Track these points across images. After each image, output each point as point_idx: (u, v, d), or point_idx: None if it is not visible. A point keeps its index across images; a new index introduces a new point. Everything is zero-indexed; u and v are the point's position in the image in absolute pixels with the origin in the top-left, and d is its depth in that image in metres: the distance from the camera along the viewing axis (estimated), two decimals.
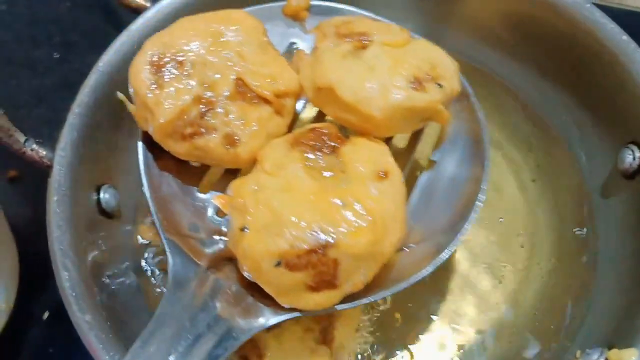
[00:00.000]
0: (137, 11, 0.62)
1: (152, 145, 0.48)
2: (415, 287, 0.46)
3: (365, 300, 0.45)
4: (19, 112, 0.51)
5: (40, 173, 0.54)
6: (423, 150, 0.54)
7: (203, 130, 0.46)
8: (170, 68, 0.47)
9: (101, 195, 0.56)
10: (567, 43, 0.61)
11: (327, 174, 0.45)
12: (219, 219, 0.50)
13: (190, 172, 0.51)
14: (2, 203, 0.61)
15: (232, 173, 0.51)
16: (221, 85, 0.47)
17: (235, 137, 0.47)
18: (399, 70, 0.46)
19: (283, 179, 0.44)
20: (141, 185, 0.48)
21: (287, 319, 0.44)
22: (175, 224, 0.48)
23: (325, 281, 0.42)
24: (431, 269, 0.46)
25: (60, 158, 0.52)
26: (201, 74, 0.47)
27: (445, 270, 0.61)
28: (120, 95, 0.50)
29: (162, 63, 0.47)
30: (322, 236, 0.41)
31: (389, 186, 0.45)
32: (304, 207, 0.43)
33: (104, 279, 0.54)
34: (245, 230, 0.43)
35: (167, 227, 0.47)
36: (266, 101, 0.48)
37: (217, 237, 0.49)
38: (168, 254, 0.45)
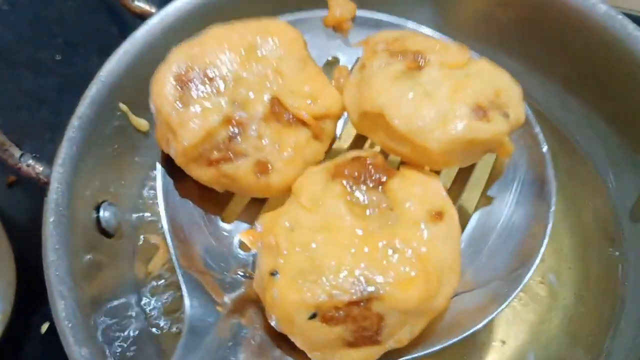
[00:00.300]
0: (142, 17, 0.58)
1: (171, 167, 0.43)
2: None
3: (408, 357, 0.39)
4: (20, 114, 0.50)
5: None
6: (476, 183, 0.47)
7: (232, 155, 0.41)
8: (198, 84, 0.42)
9: (101, 213, 0.52)
10: (594, 56, 0.56)
11: (372, 211, 0.39)
12: (244, 253, 0.44)
13: (213, 198, 0.45)
14: (1, 209, 0.58)
15: (260, 200, 0.46)
16: (254, 104, 0.42)
17: (268, 165, 0.41)
18: (460, 97, 0.40)
19: (322, 216, 0.39)
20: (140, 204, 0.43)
21: None
22: (194, 258, 0.43)
23: (366, 337, 0.37)
24: (486, 322, 0.40)
25: (58, 175, 0.47)
26: (233, 91, 0.42)
27: None
28: (122, 106, 0.45)
29: (189, 77, 0.42)
30: (367, 287, 0.36)
31: (444, 229, 0.39)
32: (345, 251, 0.37)
33: (103, 311, 0.49)
34: (277, 275, 0.37)
35: (184, 262, 0.42)
36: (304, 124, 0.43)
37: (240, 275, 0.43)
38: (185, 294, 0.40)
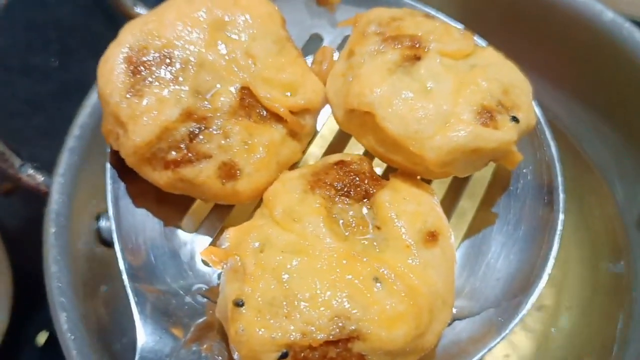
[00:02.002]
0: None
1: (123, 167, 0.37)
2: None
3: None
4: (15, 121, 0.53)
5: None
6: (473, 192, 0.43)
7: (192, 156, 0.35)
8: (154, 68, 0.36)
9: (101, 223, 0.50)
10: (602, 64, 0.55)
11: (356, 230, 0.35)
12: (207, 268, 0.39)
13: (172, 203, 0.40)
14: None
15: (227, 205, 0.40)
16: (220, 95, 0.36)
17: (236, 168, 0.36)
18: (463, 96, 0.35)
19: (297, 236, 0.34)
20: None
21: None
22: (148, 274, 0.38)
23: None
24: (480, 355, 0.36)
25: (59, 185, 0.47)
26: (195, 78, 0.36)
27: None
28: None
29: (143, 60, 0.36)
30: (347, 324, 0.31)
31: (438, 255, 0.34)
32: (324, 280, 0.32)
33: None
34: (242, 306, 0.32)
35: (138, 278, 0.37)
36: (279, 118, 0.38)
37: (201, 295, 0.38)
38: (137, 319, 0.35)
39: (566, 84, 0.58)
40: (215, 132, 0.36)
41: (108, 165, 0.38)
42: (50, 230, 0.45)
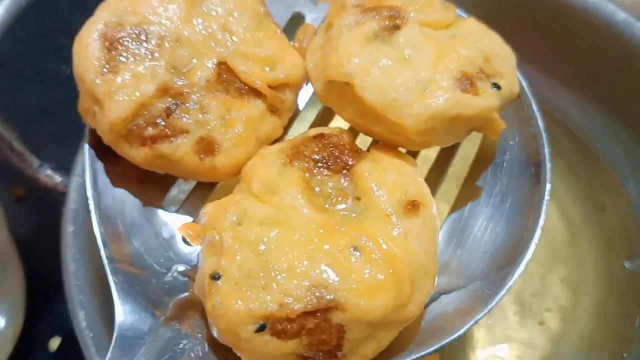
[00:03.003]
0: None
1: (103, 146, 0.37)
2: None
3: None
4: (27, 127, 0.51)
5: (47, 191, 0.52)
6: (459, 166, 0.42)
7: (169, 132, 0.35)
8: (129, 44, 0.36)
9: None
10: (616, 65, 0.55)
11: (335, 201, 0.34)
12: (188, 247, 0.39)
13: (153, 181, 0.40)
14: (9, 222, 0.59)
15: (209, 183, 0.40)
16: (197, 70, 0.36)
17: (214, 143, 0.36)
18: (443, 64, 0.35)
19: (275, 208, 0.34)
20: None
21: None
22: (127, 253, 0.37)
23: (324, 352, 0.32)
24: (466, 328, 0.36)
25: (76, 185, 0.49)
26: (171, 53, 0.36)
27: None
28: None
29: (118, 36, 0.36)
30: (325, 294, 0.31)
31: (419, 224, 0.34)
32: (301, 251, 0.32)
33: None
34: (219, 279, 0.32)
35: (117, 257, 0.37)
36: (258, 94, 0.37)
37: (181, 274, 0.38)
38: (115, 296, 0.35)
39: (579, 84, 0.59)
40: (192, 107, 0.36)
41: (86, 146, 0.38)
42: (69, 229, 0.47)
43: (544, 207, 0.38)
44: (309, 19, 0.45)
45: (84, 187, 0.46)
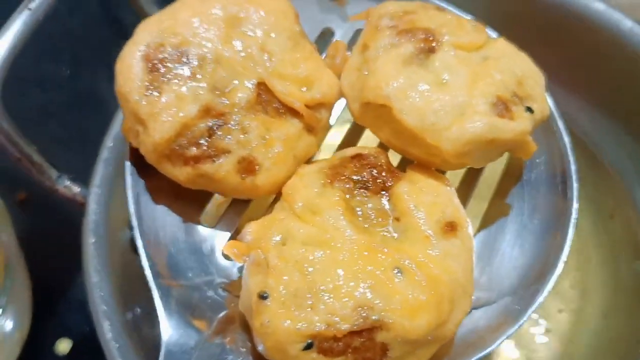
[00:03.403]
0: None
1: (142, 164, 0.38)
2: None
3: None
4: (28, 130, 0.49)
5: (50, 194, 0.52)
6: (487, 183, 0.43)
7: (212, 152, 0.36)
8: (171, 65, 0.37)
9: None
10: (621, 72, 0.56)
11: (376, 222, 0.35)
12: (227, 261, 0.40)
13: (191, 198, 0.40)
14: (14, 227, 0.60)
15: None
16: (238, 91, 0.37)
17: (255, 163, 0.37)
18: (478, 87, 0.36)
19: (318, 229, 0.35)
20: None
21: None
22: (171, 269, 0.38)
23: None
24: (498, 343, 0.37)
25: (95, 196, 0.49)
26: (212, 75, 0.37)
27: None
28: None
29: (160, 58, 0.37)
30: (370, 314, 0.32)
31: (457, 245, 0.35)
32: (346, 271, 0.33)
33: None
34: (267, 298, 0.33)
35: (161, 274, 0.38)
36: (295, 113, 0.38)
37: (222, 288, 0.39)
38: (161, 313, 0.36)
39: (586, 91, 0.60)
40: (233, 128, 0.37)
41: (128, 163, 0.39)
42: (90, 240, 0.47)
43: (571, 225, 0.39)
44: (338, 35, 0.46)
45: (102, 197, 0.49)
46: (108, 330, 0.44)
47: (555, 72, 0.59)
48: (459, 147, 0.36)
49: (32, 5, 0.46)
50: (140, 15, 0.57)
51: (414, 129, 0.36)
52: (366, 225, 0.35)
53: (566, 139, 0.42)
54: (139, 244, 0.38)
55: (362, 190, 0.36)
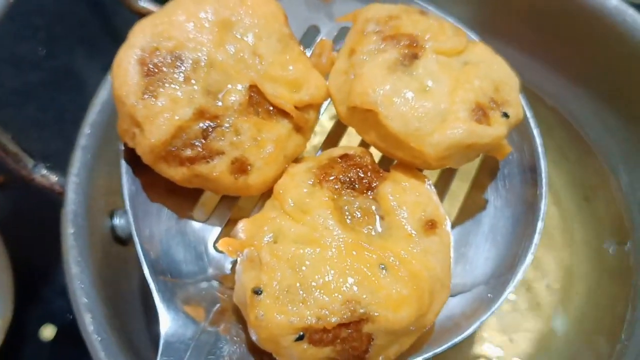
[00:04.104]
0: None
1: (137, 163, 0.40)
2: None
3: None
4: (5, 112, 0.53)
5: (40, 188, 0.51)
6: (462, 178, 0.46)
7: (206, 153, 0.38)
8: (166, 69, 0.38)
9: (115, 221, 0.52)
10: (606, 50, 0.57)
11: (362, 221, 0.38)
12: (218, 253, 0.42)
13: (183, 194, 0.42)
14: None
15: None
16: (231, 94, 0.39)
17: (247, 164, 0.39)
18: (459, 95, 0.38)
19: (308, 228, 0.37)
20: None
21: None
22: (166, 264, 0.41)
23: (354, 356, 0.36)
24: (474, 328, 0.41)
25: (74, 185, 0.48)
26: (205, 78, 0.38)
27: None
28: None
29: (155, 61, 0.38)
30: (357, 308, 0.35)
31: (437, 242, 0.38)
32: (335, 269, 0.36)
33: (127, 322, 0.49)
34: (261, 294, 0.36)
35: (157, 269, 0.40)
36: (285, 114, 0.40)
37: (214, 278, 0.41)
38: (160, 307, 0.38)
39: (570, 69, 0.61)
40: (226, 130, 0.38)
41: (123, 162, 0.41)
42: (69, 230, 0.47)
43: (540, 221, 0.42)
44: (324, 32, 0.47)
45: (81, 186, 0.48)
46: (90, 323, 0.44)
47: (540, 49, 0.61)
48: (440, 152, 0.38)
49: None
50: None
51: (399, 134, 0.38)
52: (353, 224, 0.38)
53: (537, 137, 0.45)
54: (136, 240, 0.40)
55: (349, 190, 0.39)
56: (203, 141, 0.38)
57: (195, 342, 0.38)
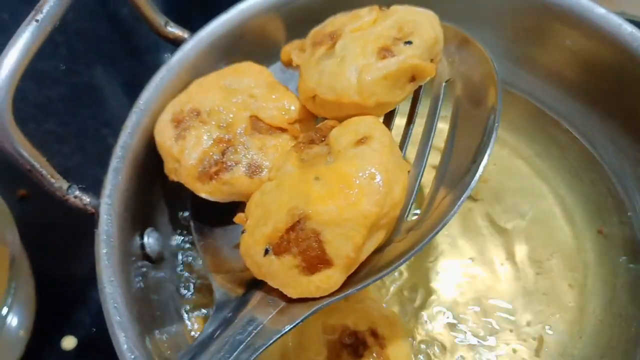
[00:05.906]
0: (176, 42, 0.61)
1: (196, 202, 0.56)
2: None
3: (376, 278, 0.43)
4: (27, 127, 0.48)
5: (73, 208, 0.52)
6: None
7: (227, 165, 0.53)
8: (189, 120, 0.55)
9: (145, 239, 0.57)
10: (619, 73, 0.58)
11: (315, 160, 0.47)
12: None
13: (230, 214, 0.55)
14: (16, 223, 0.60)
15: None
16: (237, 124, 0.54)
17: (259, 167, 0.52)
18: (367, 49, 0.48)
19: (278, 179, 0.48)
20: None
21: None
22: (220, 264, 0.54)
23: (315, 257, 0.43)
24: (449, 218, 0.43)
25: (106, 206, 0.51)
26: (218, 118, 0.55)
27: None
28: None
29: (181, 118, 0.55)
30: (296, 212, 0.44)
31: (365, 149, 0.44)
32: (285, 195, 0.46)
33: (156, 339, 0.53)
34: (244, 232, 0.47)
35: (214, 268, 0.54)
36: (282, 130, 0.54)
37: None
38: (214, 287, 0.51)
39: (581, 91, 0.63)
40: (239, 148, 0.53)
41: (190, 203, 0.57)
42: (102, 251, 0.49)
43: (493, 133, 0.45)
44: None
45: (113, 207, 0.51)
46: (124, 342, 0.46)
47: (555, 75, 0.63)
48: (366, 94, 0.47)
49: (39, 17, 0.47)
50: (136, 9, 0.58)
51: (333, 99, 0.48)
52: (307, 164, 0.47)
53: (492, 62, 0.49)
54: (200, 251, 0.55)
55: (309, 145, 0.49)
56: (223, 158, 0.53)
57: (236, 303, 0.49)
